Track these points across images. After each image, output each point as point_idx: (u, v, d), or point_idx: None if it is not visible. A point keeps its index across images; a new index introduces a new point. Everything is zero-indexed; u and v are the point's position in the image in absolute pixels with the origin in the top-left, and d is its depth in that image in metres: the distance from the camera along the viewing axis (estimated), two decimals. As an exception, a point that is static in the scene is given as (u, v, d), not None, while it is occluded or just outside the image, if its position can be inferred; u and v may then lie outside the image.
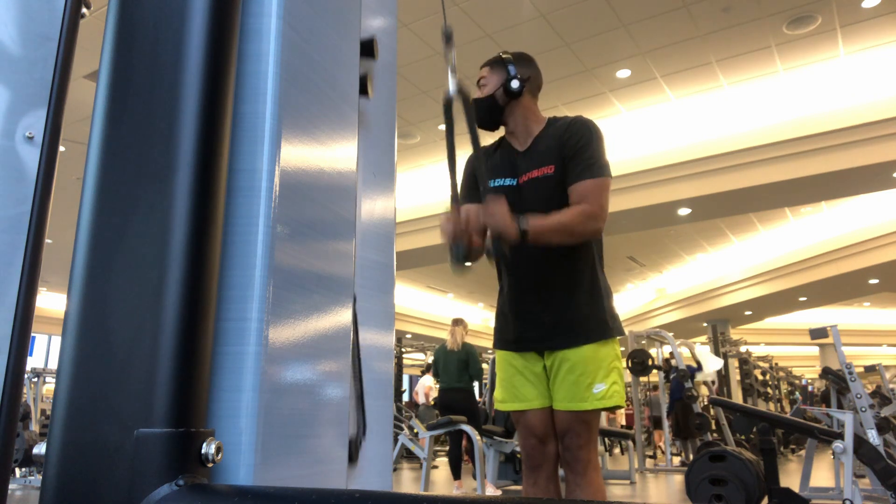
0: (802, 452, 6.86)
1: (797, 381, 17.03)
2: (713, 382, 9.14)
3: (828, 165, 7.61)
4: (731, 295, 13.78)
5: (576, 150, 1.85)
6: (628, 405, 11.38)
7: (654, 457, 10.19)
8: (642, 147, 8.46)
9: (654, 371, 8.35)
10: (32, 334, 0.84)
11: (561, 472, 1.95)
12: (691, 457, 7.19)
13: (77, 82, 6.07)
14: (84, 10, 0.95)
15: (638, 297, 16.16)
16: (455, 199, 1.73)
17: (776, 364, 14.66)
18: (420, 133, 8.47)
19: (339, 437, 0.79)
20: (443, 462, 9.04)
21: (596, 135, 1.89)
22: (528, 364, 1.94)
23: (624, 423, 13.33)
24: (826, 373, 6.70)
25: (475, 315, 17.82)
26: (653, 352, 8.86)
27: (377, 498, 0.51)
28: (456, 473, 5.74)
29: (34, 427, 7.82)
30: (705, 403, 8.78)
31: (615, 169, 1.94)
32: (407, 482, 7.09)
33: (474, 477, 5.37)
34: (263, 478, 0.63)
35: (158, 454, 0.54)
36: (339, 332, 0.81)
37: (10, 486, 6.27)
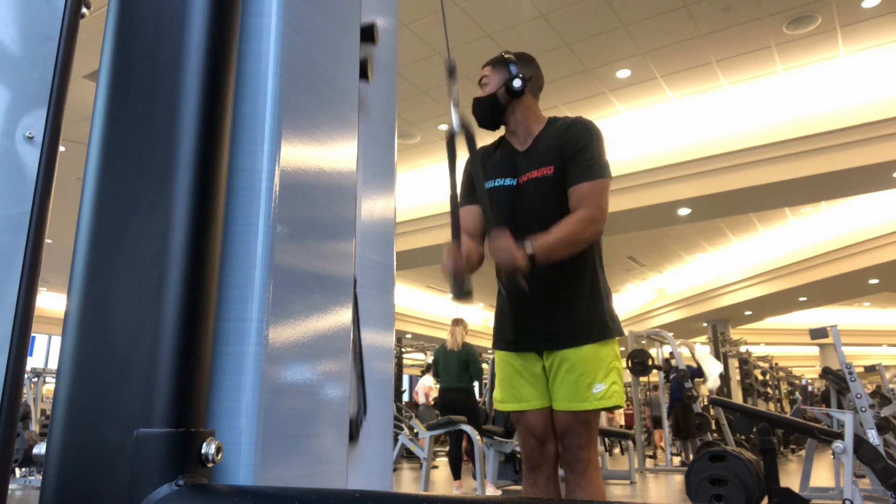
0: (802, 452, 6.86)
1: (797, 381, 17.03)
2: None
3: (828, 165, 7.61)
4: (731, 295, 13.78)
5: (575, 151, 1.86)
6: (628, 405, 11.38)
7: (654, 457, 10.18)
8: (642, 147, 8.46)
9: (654, 371, 8.34)
10: (32, 334, 0.84)
11: (561, 472, 1.95)
12: (691, 457, 7.19)
13: (77, 82, 6.08)
14: (84, 10, 0.95)
15: (638, 297, 16.15)
16: (456, 236, 1.76)
17: (776, 364, 14.66)
18: (420, 133, 8.47)
19: (339, 437, 0.79)
20: (443, 462, 9.04)
21: (596, 136, 1.89)
22: (527, 364, 1.94)
23: (622, 423, 13.34)
24: (826, 373, 6.70)
25: (475, 315, 17.81)
26: (653, 352, 8.86)
27: (377, 498, 0.51)
28: (456, 473, 5.74)
29: (34, 427, 7.82)
30: (705, 403, 8.78)
31: (615, 169, 1.94)
32: (407, 482, 7.09)
33: (474, 477, 5.37)
34: (263, 478, 0.63)
35: (158, 454, 0.54)
36: (339, 332, 0.81)
37: (10, 486, 6.27)
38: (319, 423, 0.75)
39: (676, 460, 8.56)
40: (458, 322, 6.19)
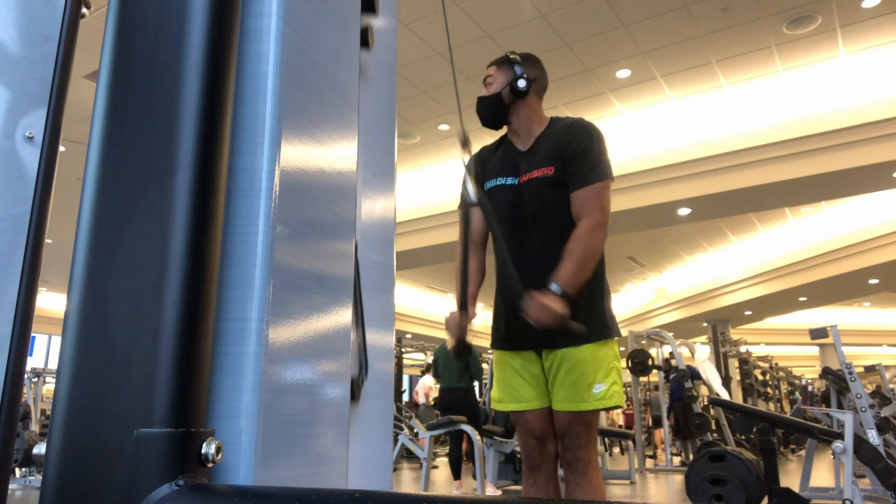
0: (802, 452, 6.86)
1: (797, 381, 17.03)
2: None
3: (828, 165, 7.61)
4: (731, 295, 13.78)
5: (574, 155, 1.88)
6: (628, 405, 11.39)
7: (654, 457, 10.19)
8: (642, 147, 8.46)
9: (654, 371, 8.34)
10: (32, 334, 0.84)
11: (561, 472, 1.95)
12: (691, 457, 7.19)
13: (77, 82, 6.08)
14: (84, 10, 0.94)
15: (638, 297, 16.15)
16: (464, 307, 1.92)
17: (776, 364, 14.66)
18: (420, 133, 8.47)
19: (339, 437, 0.79)
20: (443, 462, 9.04)
21: (596, 137, 1.90)
22: (526, 364, 1.94)
23: (621, 423, 13.33)
24: (826, 373, 6.70)
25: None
26: (653, 352, 8.85)
27: (377, 498, 0.51)
28: (456, 473, 5.74)
29: (34, 427, 7.82)
30: (705, 403, 8.78)
31: (615, 169, 1.95)
32: (407, 482, 7.09)
33: (474, 477, 5.37)
34: (263, 478, 0.63)
35: (158, 454, 0.54)
36: (339, 332, 0.81)
37: (10, 486, 6.27)
38: (319, 423, 0.75)
39: (676, 460, 8.56)
40: (457, 322, 6.17)
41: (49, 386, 9.74)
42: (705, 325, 15.32)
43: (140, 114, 0.62)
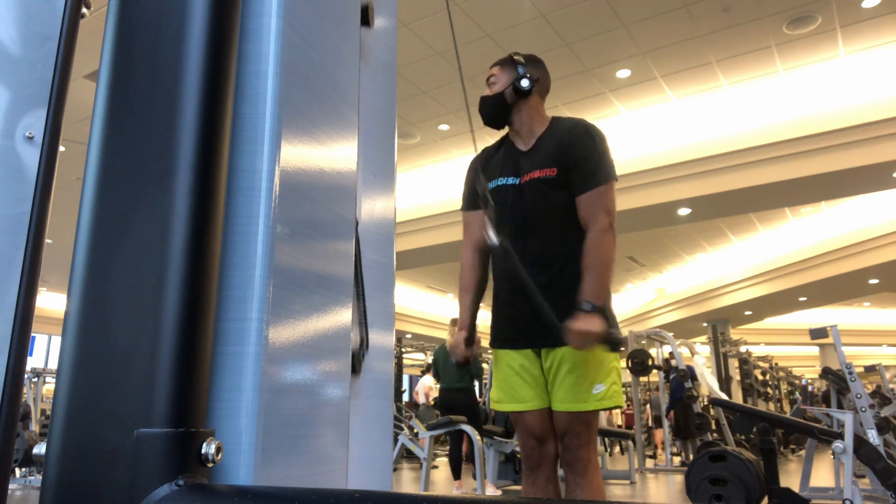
0: (802, 452, 6.86)
1: (797, 381, 17.03)
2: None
3: (828, 165, 7.61)
4: (731, 295, 13.78)
5: (577, 159, 1.89)
6: (628, 405, 11.39)
7: (654, 457, 10.19)
8: (642, 147, 8.46)
9: (654, 371, 8.34)
10: (32, 334, 0.84)
11: (561, 472, 1.95)
12: (691, 457, 7.19)
13: (77, 82, 6.08)
14: (84, 10, 0.94)
15: (638, 297, 16.15)
16: (471, 341, 2.00)
17: (776, 364, 14.66)
18: (420, 133, 8.47)
19: (339, 437, 0.79)
20: (443, 462, 9.04)
21: (598, 139, 1.92)
22: (525, 365, 1.94)
23: (620, 423, 13.32)
24: (826, 373, 6.70)
25: (475, 315, 17.77)
26: (653, 352, 8.85)
27: (377, 498, 0.51)
28: (456, 473, 5.73)
29: (34, 427, 7.82)
30: (705, 403, 8.78)
31: (615, 169, 1.96)
32: (407, 482, 7.09)
33: (474, 477, 5.37)
34: (263, 478, 0.63)
35: (158, 454, 0.54)
36: (339, 332, 0.81)
37: (10, 486, 6.27)
38: (319, 423, 0.75)
39: (676, 460, 8.56)
40: (456, 322, 6.17)
41: (49, 386, 9.75)
42: (705, 325, 15.33)
43: (140, 114, 0.62)
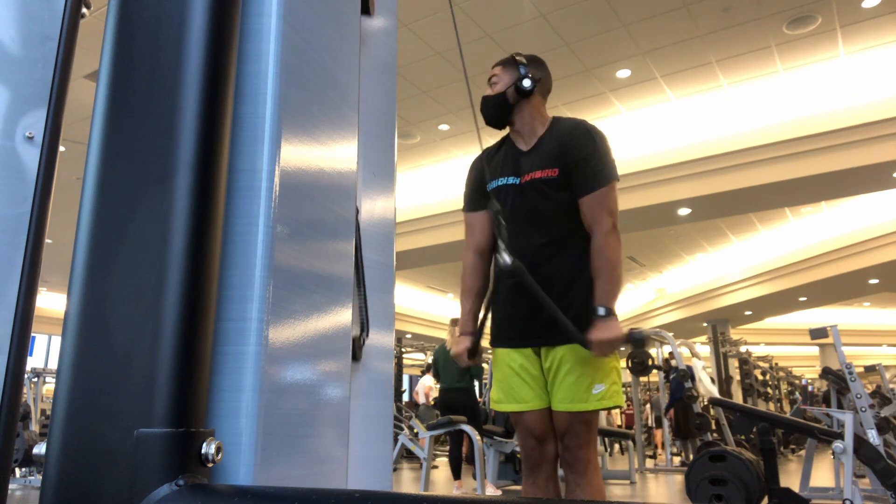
0: (802, 452, 6.86)
1: (797, 381, 17.03)
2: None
3: (828, 165, 7.61)
4: (731, 295, 13.78)
5: (578, 160, 1.90)
6: (628, 405, 11.39)
7: (654, 457, 10.19)
8: (642, 147, 8.46)
9: (654, 371, 8.34)
10: (32, 334, 0.84)
11: (561, 472, 1.95)
12: (691, 457, 7.19)
13: (77, 82, 6.07)
14: (84, 10, 0.95)
15: (638, 297, 16.15)
16: (474, 352, 1.98)
17: (776, 364, 14.66)
18: (420, 133, 8.47)
19: (339, 437, 0.79)
20: (443, 462, 9.05)
21: (599, 141, 1.93)
22: (525, 365, 1.94)
23: (619, 422, 13.32)
24: (826, 373, 6.70)
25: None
26: (653, 352, 8.85)
27: (377, 498, 0.51)
28: (456, 473, 5.73)
29: (34, 427, 7.82)
30: (705, 403, 8.77)
31: (617, 170, 1.97)
32: (407, 482, 7.09)
33: (474, 477, 5.37)
34: (263, 478, 0.63)
35: (158, 454, 0.54)
36: (339, 332, 0.81)
37: (10, 486, 6.27)
38: (319, 423, 0.75)
39: (676, 460, 8.56)
40: (456, 322, 6.18)
41: (49, 386, 9.74)
42: (705, 325, 15.32)
43: (140, 114, 0.62)
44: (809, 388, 15.69)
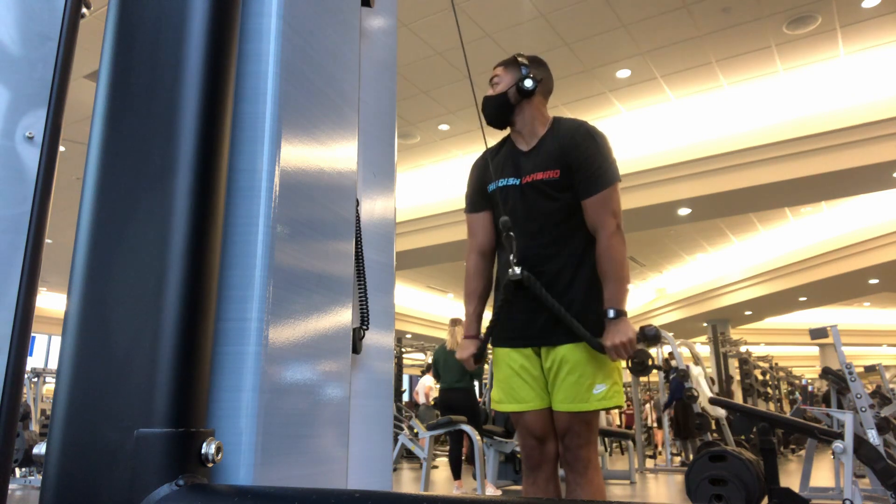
0: (802, 452, 6.86)
1: (797, 381, 17.03)
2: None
3: (828, 165, 7.61)
4: (731, 295, 13.78)
5: (580, 161, 1.91)
6: (628, 405, 11.39)
7: (654, 457, 10.19)
8: (642, 147, 8.46)
9: (654, 371, 8.34)
10: (32, 334, 0.84)
11: (561, 472, 1.95)
12: (691, 457, 7.19)
13: (77, 82, 6.07)
14: (84, 10, 0.94)
15: (638, 297, 16.15)
16: (479, 357, 2.00)
17: (776, 364, 14.65)
18: (420, 133, 8.46)
19: (339, 437, 0.79)
20: (443, 462, 9.05)
21: (601, 142, 1.94)
22: (526, 365, 1.94)
23: (618, 422, 13.31)
24: (826, 373, 6.70)
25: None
26: (653, 352, 8.85)
27: (377, 498, 0.51)
28: (456, 473, 5.73)
29: (34, 427, 7.81)
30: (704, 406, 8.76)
31: (619, 170, 1.97)
32: (407, 482, 7.09)
33: (474, 477, 5.37)
34: (263, 478, 0.63)
35: (158, 454, 0.54)
36: (339, 332, 0.81)
37: (10, 486, 6.27)
38: (319, 423, 0.75)
39: (676, 460, 8.56)
40: (456, 322, 6.18)
41: (49, 386, 9.74)
42: (705, 325, 15.32)
43: (140, 114, 0.62)
44: (809, 388, 15.69)
